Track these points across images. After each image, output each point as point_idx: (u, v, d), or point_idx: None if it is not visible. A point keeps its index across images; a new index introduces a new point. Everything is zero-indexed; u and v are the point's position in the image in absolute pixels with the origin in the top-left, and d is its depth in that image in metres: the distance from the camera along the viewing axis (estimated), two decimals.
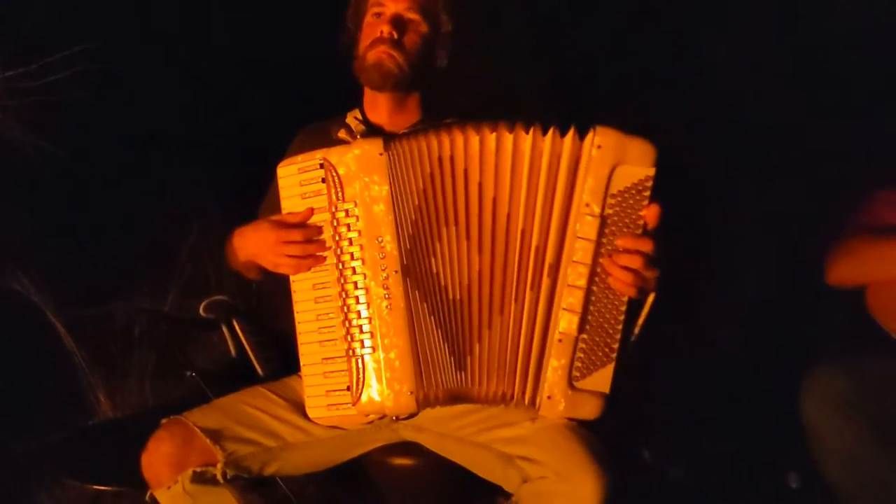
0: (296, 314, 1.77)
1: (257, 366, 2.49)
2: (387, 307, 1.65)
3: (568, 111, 2.73)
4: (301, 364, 1.78)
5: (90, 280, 3.02)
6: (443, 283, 1.67)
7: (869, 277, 2.10)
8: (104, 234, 3.11)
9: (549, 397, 1.64)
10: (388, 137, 1.70)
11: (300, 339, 1.77)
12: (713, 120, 3.37)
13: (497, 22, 3.54)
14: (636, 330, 1.70)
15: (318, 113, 3.11)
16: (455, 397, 1.67)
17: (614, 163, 1.61)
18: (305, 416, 1.82)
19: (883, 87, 3.04)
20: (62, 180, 3.00)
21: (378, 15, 1.94)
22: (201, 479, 1.78)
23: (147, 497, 1.85)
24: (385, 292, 1.65)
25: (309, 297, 1.74)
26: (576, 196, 1.63)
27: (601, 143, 1.61)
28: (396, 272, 1.65)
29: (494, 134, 1.65)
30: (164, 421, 1.86)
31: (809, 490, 2.17)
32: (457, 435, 1.79)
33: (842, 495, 2.03)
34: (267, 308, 2.64)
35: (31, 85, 3.01)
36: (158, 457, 1.79)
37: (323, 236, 1.72)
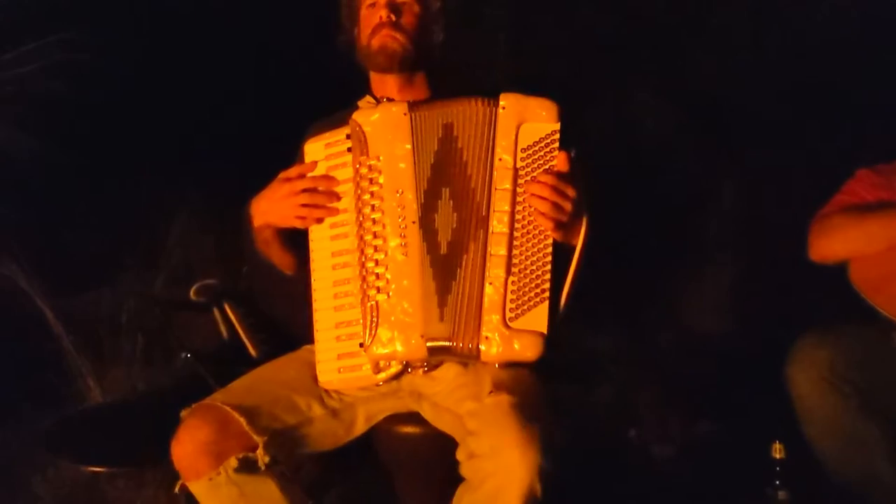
0: (313, 281, 1.85)
1: (250, 347, 2.51)
2: (403, 255, 1.76)
3: None
4: (314, 329, 1.83)
5: (78, 266, 3.03)
6: (439, 239, 1.77)
7: (852, 252, 2.15)
8: (91, 221, 3.12)
9: (486, 338, 1.71)
10: (413, 102, 1.84)
11: (315, 304, 1.84)
12: (691, 110, 3.44)
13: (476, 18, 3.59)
14: (570, 273, 1.77)
15: (306, 101, 3.14)
16: (438, 350, 1.75)
17: (519, 121, 1.77)
18: (320, 387, 1.86)
19: (863, 87, 3.12)
20: (48, 168, 3.00)
21: (373, 5, 2.03)
22: (245, 467, 1.75)
23: (177, 489, 1.80)
24: (402, 241, 1.76)
25: (327, 265, 1.84)
26: (496, 154, 1.77)
27: (505, 104, 1.78)
28: (414, 223, 1.77)
29: (472, 103, 1.80)
30: (192, 407, 1.81)
31: (795, 461, 2.21)
32: (444, 405, 1.83)
33: (828, 463, 2.09)
34: (256, 291, 2.66)
35: (8, 74, 3.02)
36: (195, 446, 1.74)
37: (343, 203, 1.82)
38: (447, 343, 1.73)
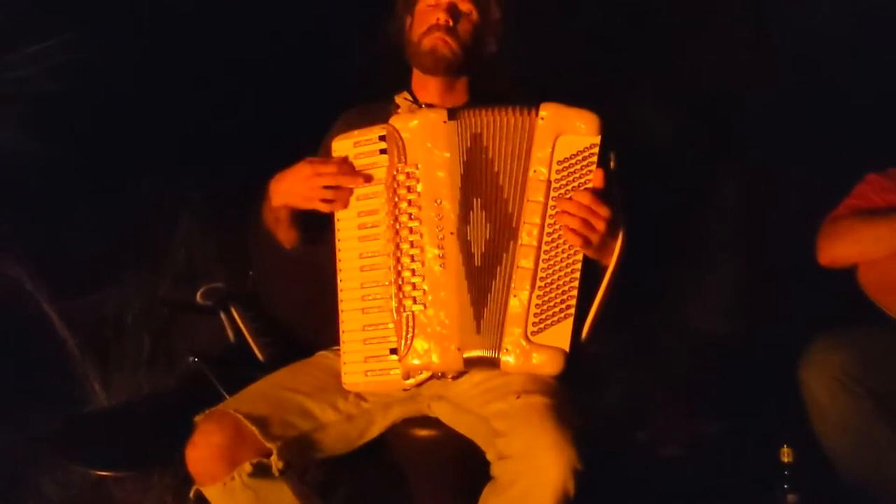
0: (339, 282, 1.84)
1: (257, 351, 2.51)
2: (440, 266, 1.75)
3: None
4: (341, 331, 1.83)
5: (82, 268, 3.02)
6: (472, 250, 1.76)
7: (861, 256, 2.17)
8: (94, 223, 3.11)
9: (506, 350, 1.71)
10: (454, 110, 1.81)
11: (342, 306, 1.84)
12: (692, 110, 3.44)
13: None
14: (600, 292, 1.74)
15: (308, 100, 3.14)
16: (474, 361, 1.75)
17: (557, 132, 1.73)
18: (335, 392, 1.87)
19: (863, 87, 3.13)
20: (51, 170, 2.99)
21: (433, 4, 2.02)
22: (259, 471, 1.76)
23: (191, 494, 1.81)
24: (440, 251, 1.76)
25: (355, 265, 1.83)
26: (531, 165, 1.74)
27: (544, 115, 1.74)
28: (452, 234, 1.76)
29: (499, 113, 1.77)
30: (205, 412, 1.82)
31: (803, 465, 2.22)
32: (468, 406, 1.83)
33: (840, 465, 2.10)
34: (263, 295, 2.66)
35: (9, 76, 3.01)
36: (210, 451, 1.75)
37: (374, 204, 1.81)
38: (483, 354, 1.73)
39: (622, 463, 2.62)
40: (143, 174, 3.14)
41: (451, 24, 1.98)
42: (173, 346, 3.01)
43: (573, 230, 1.68)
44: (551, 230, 1.71)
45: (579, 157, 1.72)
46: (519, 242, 1.73)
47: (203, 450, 1.76)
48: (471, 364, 1.75)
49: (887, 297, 2.11)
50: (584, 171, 1.71)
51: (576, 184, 1.71)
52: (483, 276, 1.75)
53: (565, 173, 1.72)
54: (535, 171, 1.73)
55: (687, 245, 3.29)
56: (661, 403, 2.76)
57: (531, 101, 1.78)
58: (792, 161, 3.22)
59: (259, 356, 2.50)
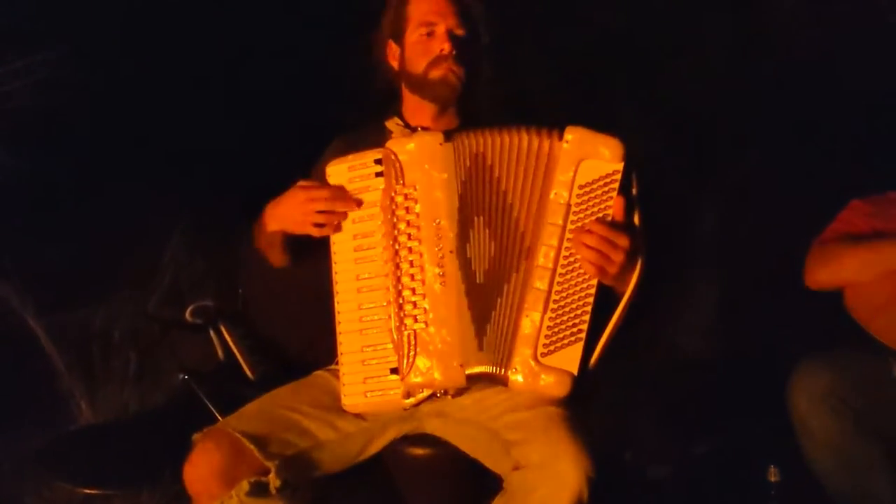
0: (336, 304, 1.86)
1: (247, 368, 2.52)
2: (441, 284, 1.77)
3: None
4: (339, 353, 1.85)
5: (69, 285, 3.01)
6: (473, 267, 1.78)
7: (846, 280, 2.21)
8: (81, 239, 3.10)
9: (514, 369, 1.72)
10: (449, 132, 1.84)
11: (340, 328, 1.86)
12: (672, 130, 3.49)
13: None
14: (613, 319, 1.76)
15: (297, 120, 3.15)
16: (476, 377, 1.77)
17: (581, 157, 1.74)
18: (333, 411, 1.88)
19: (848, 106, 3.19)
20: (38, 186, 2.99)
21: (430, 33, 2.02)
22: (257, 490, 1.76)
23: None
24: (440, 270, 1.78)
25: (352, 287, 1.85)
26: (552, 187, 1.76)
27: (569, 138, 1.76)
28: (451, 252, 1.78)
29: (508, 135, 1.79)
30: (203, 431, 1.83)
31: (789, 484, 2.25)
32: (475, 420, 1.85)
33: (828, 485, 2.13)
34: (252, 313, 2.66)
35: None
36: (209, 469, 1.75)
37: (370, 227, 1.83)
38: (485, 370, 1.75)
39: (609, 483, 2.63)
40: (130, 190, 3.14)
41: (454, 53, 2.00)
42: (160, 363, 3.00)
43: (590, 261, 1.69)
44: (568, 254, 1.73)
45: (601, 183, 1.73)
46: (535, 263, 1.74)
47: (202, 468, 1.76)
48: (473, 380, 1.77)
49: (873, 320, 2.15)
50: (604, 197, 1.73)
51: (595, 209, 1.73)
52: (486, 293, 1.77)
53: (586, 198, 1.73)
54: (555, 194, 1.75)
55: (671, 265, 3.32)
56: (648, 423, 2.78)
57: (522, 121, 1.81)
58: (774, 182, 3.28)
59: (249, 374, 2.50)
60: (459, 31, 2.03)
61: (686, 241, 3.44)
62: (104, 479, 2.39)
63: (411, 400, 1.81)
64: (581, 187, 1.74)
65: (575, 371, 1.70)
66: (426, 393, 1.81)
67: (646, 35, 3.52)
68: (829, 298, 2.24)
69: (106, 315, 3.04)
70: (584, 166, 1.73)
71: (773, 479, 2.28)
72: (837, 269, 2.23)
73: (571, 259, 1.73)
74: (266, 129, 3.26)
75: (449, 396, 1.88)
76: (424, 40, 2.02)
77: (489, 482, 1.83)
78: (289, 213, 1.89)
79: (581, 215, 1.73)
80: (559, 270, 1.73)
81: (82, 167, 3.07)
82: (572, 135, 1.76)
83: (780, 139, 3.34)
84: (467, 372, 1.75)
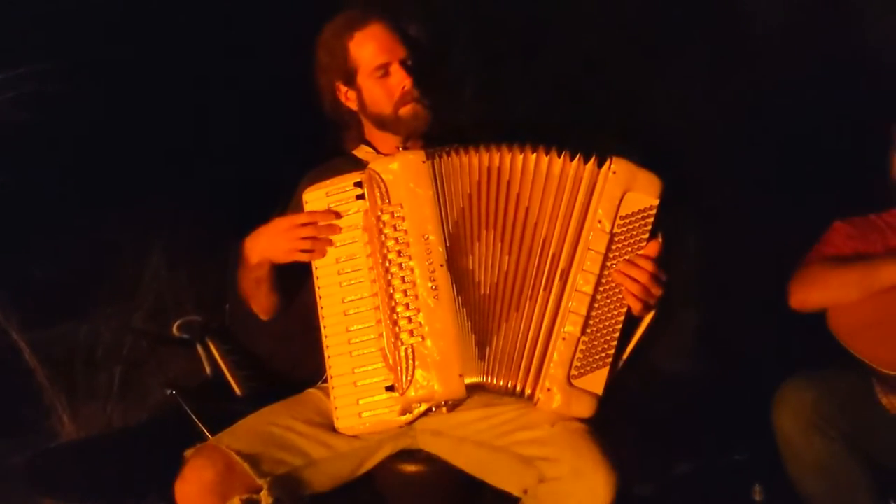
0: (323, 329, 1.87)
1: (235, 384, 2.51)
2: (434, 298, 1.79)
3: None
4: (329, 376, 1.86)
5: (53, 299, 2.99)
6: (475, 279, 1.82)
7: (830, 301, 2.24)
8: (65, 254, 3.08)
9: (548, 390, 1.76)
10: (428, 150, 1.88)
11: (328, 352, 1.86)
12: (654, 156, 3.51)
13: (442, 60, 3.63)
14: (632, 343, 1.83)
15: (278, 139, 3.14)
16: (474, 387, 1.79)
17: (625, 188, 1.80)
18: (326, 430, 1.87)
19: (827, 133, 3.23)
20: (24, 200, 2.97)
21: (385, 73, 2.02)
22: None
23: None
24: (432, 284, 1.80)
25: (338, 310, 1.86)
26: (591, 213, 1.81)
27: (616, 169, 1.81)
28: (442, 266, 1.80)
29: (535, 154, 1.84)
30: (195, 447, 1.83)
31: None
32: (476, 438, 1.86)
33: None
34: (239, 329, 2.66)
35: None
36: (200, 486, 1.75)
37: (353, 249, 1.85)
38: (485, 379, 1.78)
39: None
40: (113, 205, 3.13)
41: (415, 83, 2.01)
42: (144, 378, 2.99)
43: (634, 293, 1.76)
44: (606, 282, 1.78)
45: (640, 216, 1.79)
46: (573, 286, 1.78)
47: (194, 485, 1.75)
48: (473, 390, 1.79)
49: (856, 341, 2.18)
50: (641, 231, 1.79)
51: (633, 241, 1.79)
52: (492, 305, 1.80)
53: (626, 229, 1.79)
54: (599, 222, 1.79)
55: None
56: (633, 443, 2.79)
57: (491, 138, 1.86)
58: (754, 204, 3.31)
59: (237, 390, 2.49)
60: (411, 61, 2.04)
61: (672, 261, 3.46)
62: (90, 496, 2.37)
63: (408, 416, 1.81)
64: (622, 218, 1.79)
65: (601, 393, 1.77)
66: (423, 408, 1.82)
67: (625, 59, 3.56)
68: (812, 319, 2.27)
69: (89, 330, 3.03)
70: (628, 198, 1.79)
71: (757, 497, 2.30)
72: (821, 290, 2.26)
73: (609, 287, 1.78)
74: (247, 143, 3.25)
75: (444, 410, 1.88)
76: (382, 82, 2.03)
77: (480, 498, 1.85)
78: (273, 243, 1.90)
79: (620, 245, 1.79)
80: (597, 297, 1.78)
81: (66, 182, 3.05)
82: (618, 166, 1.81)
83: (760, 162, 3.38)
84: (467, 381, 1.77)
